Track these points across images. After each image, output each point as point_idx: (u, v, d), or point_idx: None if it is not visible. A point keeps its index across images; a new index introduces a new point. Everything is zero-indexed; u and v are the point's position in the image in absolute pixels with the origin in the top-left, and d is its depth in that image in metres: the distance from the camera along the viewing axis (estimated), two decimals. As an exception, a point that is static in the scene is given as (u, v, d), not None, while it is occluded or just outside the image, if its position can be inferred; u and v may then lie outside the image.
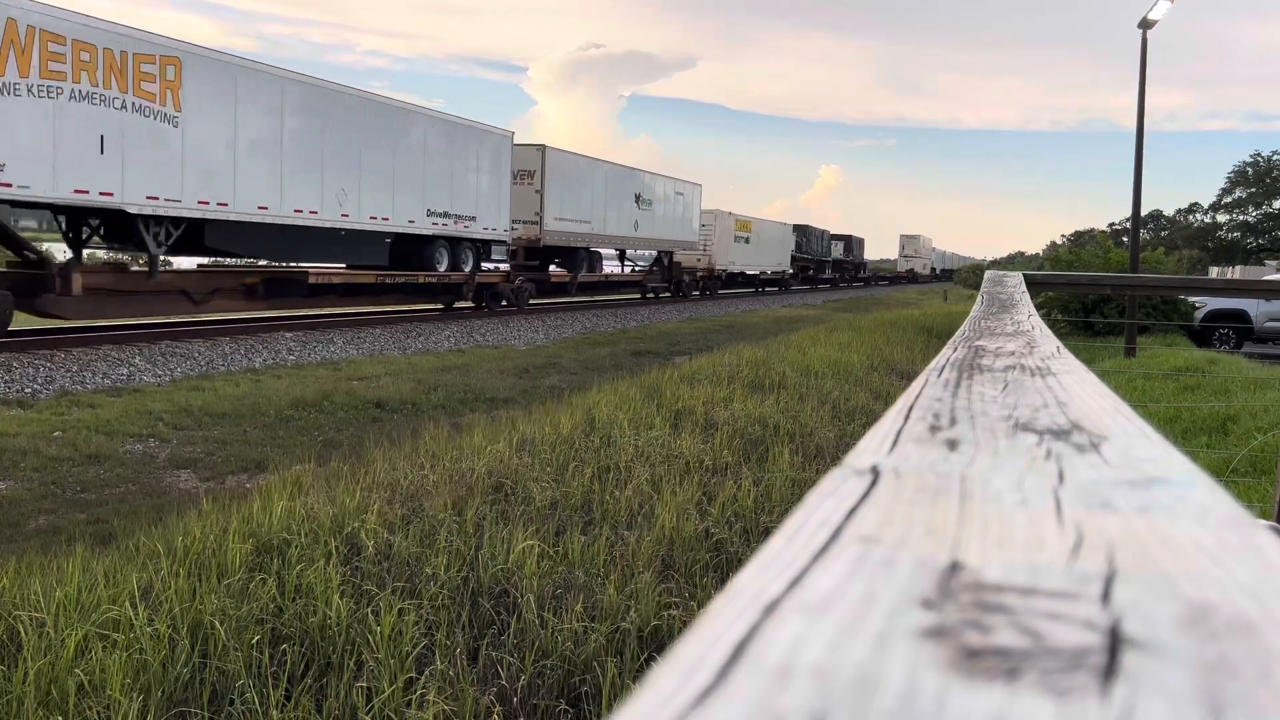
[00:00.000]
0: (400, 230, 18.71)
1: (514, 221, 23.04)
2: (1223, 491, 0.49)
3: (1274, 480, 3.97)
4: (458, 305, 22.02)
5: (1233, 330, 19.18)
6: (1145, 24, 17.12)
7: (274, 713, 3.03)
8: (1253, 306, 19.21)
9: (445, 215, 19.92)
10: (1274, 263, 45.00)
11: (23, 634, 3.32)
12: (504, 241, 22.60)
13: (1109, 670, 0.30)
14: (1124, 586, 0.37)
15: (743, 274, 40.13)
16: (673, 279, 32.83)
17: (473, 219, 20.85)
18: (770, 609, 0.35)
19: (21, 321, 13.27)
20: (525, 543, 4.25)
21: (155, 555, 4.14)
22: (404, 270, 19.07)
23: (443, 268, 20.20)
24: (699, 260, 35.21)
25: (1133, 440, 0.61)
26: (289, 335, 15.80)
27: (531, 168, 23.69)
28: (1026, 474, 0.53)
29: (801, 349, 13.39)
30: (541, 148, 23.83)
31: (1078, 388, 0.84)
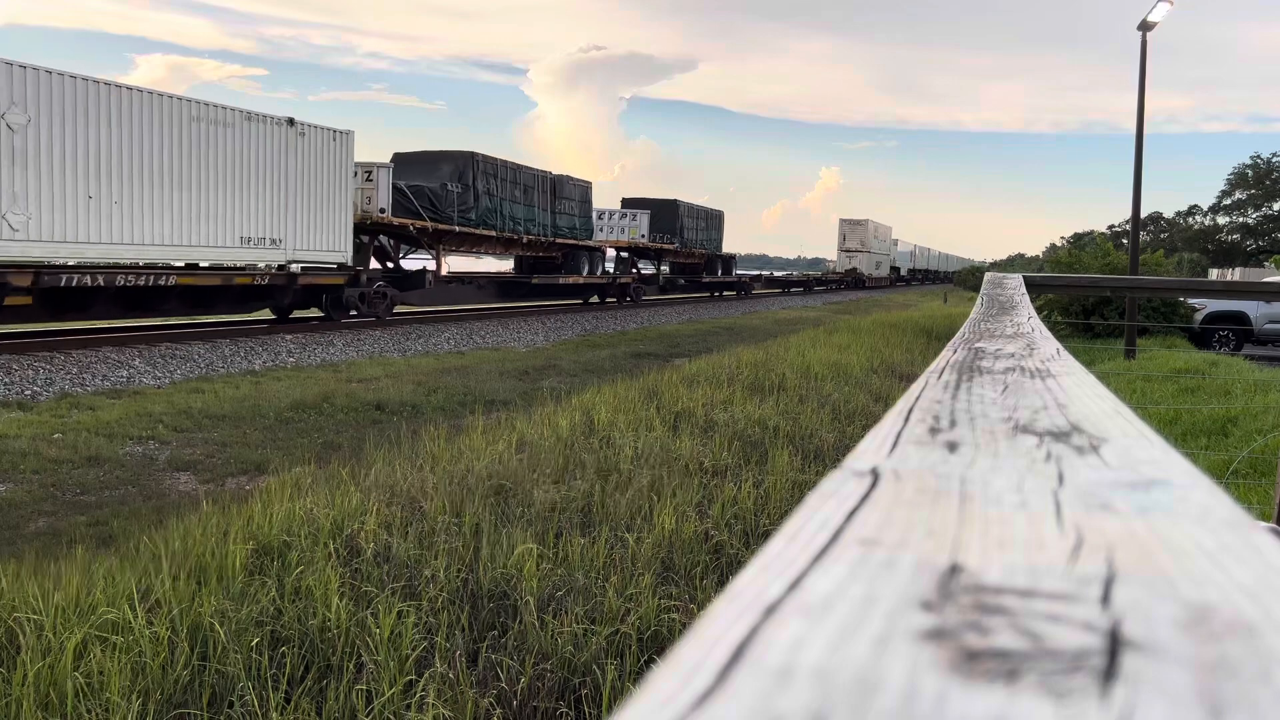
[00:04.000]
0: None
1: None
2: (1222, 493, 0.49)
3: (1274, 482, 3.97)
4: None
5: (1232, 332, 19.18)
6: (1145, 26, 17.12)
7: (274, 715, 3.03)
8: (1252, 308, 19.22)
9: None
10: (1272, 264, 44.98)
11: (21, 636, 3.32)
12: None
13: (1109, 672, 0.30)
14: (1124, 588, 0.37)
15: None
16: None
17: None
18: (770, 611, 0.35)
19: (22, 322, 13.33)
20: (525, 545, 4.24)
21: (155, 557, 4.13)
22: None
23: None
24: None
25: (1132, 442, 0.61)
26: (289, 337, 15.79)
27: None
28: (1026, 476, 0.53)
29: (801, 351, 13.40)
30: None
31: (1077, 390, 0.84)
